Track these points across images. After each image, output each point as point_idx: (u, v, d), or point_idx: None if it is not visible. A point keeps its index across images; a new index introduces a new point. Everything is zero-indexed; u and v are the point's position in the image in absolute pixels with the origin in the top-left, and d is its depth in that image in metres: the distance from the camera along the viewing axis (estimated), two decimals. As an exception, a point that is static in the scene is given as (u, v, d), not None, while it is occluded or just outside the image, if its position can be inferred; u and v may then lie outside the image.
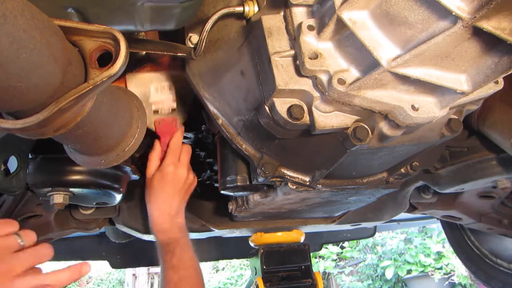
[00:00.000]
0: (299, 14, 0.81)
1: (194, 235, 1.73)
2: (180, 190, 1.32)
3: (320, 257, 7.67)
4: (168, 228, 1.30)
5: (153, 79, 1.24)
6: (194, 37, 1.02)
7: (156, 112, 1.27)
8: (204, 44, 0.96)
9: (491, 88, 0.80)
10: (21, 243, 0.85)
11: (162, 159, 1.31)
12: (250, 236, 1.75)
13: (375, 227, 2.63)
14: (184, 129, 1.35)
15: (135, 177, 1.41)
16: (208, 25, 0.93)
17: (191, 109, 1.32)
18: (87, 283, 10.06)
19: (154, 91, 1.24)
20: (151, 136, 1.30)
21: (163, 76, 1.25)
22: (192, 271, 1.27)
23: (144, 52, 1.19)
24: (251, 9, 0.91)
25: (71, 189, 1.27)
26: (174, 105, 1.27)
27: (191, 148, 1.37)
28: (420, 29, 0.64)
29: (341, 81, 0.73)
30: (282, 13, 0.84)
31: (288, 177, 1.05)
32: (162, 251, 1.29)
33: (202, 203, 1.69)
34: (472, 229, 2.24)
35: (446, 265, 6.14)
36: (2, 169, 1.10)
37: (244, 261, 8.44)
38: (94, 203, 1.43)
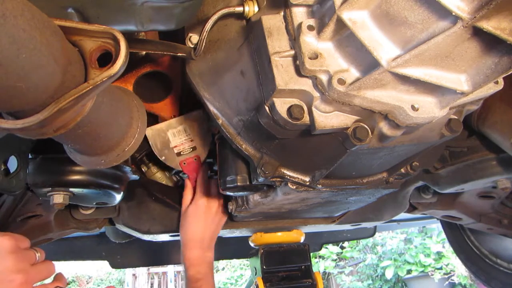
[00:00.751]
0: (299, 14, 0.81)
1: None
2: (212, 222, 1.41)
3: (320, 257, 7.67)
4: (199, 261, 1.36)
5: (168, 126, 1.39)
6: (194, 37, 1.02)
7: (179, 154, 1.40)
8: (204, 44, 0.96)
9: (491, 88, 0.80)
10: (37, 257, 1.00)
11: (193, 196, 1.43)
12: (250, 236, 1.75)
13: (375, 227, 2.63)
14: (207, 165, 1.47)
15: (135, 177, 1.41)
16: (208, 25, 0.93)
17: (211, 144, 1.43)
18: (87, 283, 10.06)
19: (172, 137, 1.39)
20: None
21: (177, 122, 1.39)
22: None
23: (144, 52, 1.19)
24: (251, 9, 0.91)
25: (71, 189, 1.27)
26: (193, 144, 1.40)
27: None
28: (420, 29, 0.64)
29: (341, 81, 0.73)
30: (282, 13, 0.84)
31: (288, 177, 1.05)
32: (190, 286, 1.33)
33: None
34: (472, 229, 2.24)
35: (446, 265, 6.15)
36: (2, 169, 1.10)
37: (244, 261, 8.45)
38: (94, 203, 1.43)
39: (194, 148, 1.42)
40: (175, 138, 1.39)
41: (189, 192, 1.45)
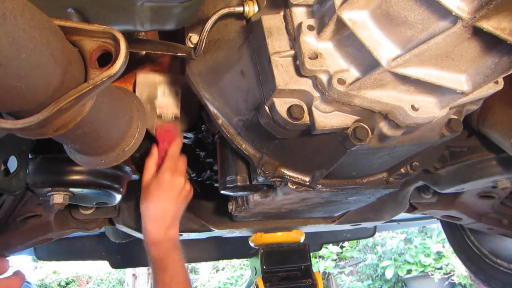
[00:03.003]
0: (299, 14, 0.81)
1: (194, 235, 1.73)
2: (175, 199, 1.29)
3: (320, 257, 7.67)
4: (161, 240, 1.27)
5: (162, 81, 1.22)
6: (194, 37, 1.02)
7: (159, 116, 1.25)
8: (204, 44, 0.96)
9: (491, 88, 0.80)
10: None
11: (159, 166, 1.30)
12: (250, 236, 1.75)
13: (375, 227, 2.63)
14: (183, 138, 1.34)
15: (135, 177, 1.41)
16: (208, 25, 0.93)
17: (194, 119, 1.30)
18: (87, 283, 10.06)
19: (161, 94, 1.22)
20: (150, 138, 1.30)
21: (172, 81, 1.23)
22: None
23: (144, 52, 1.19)
24: (251, 9, 0.91)
25: (71, 189, 1.27)
26: (178, 112, 1.25)
27: (186, 158, 1.35)
28: (420, 29, 0.64)
29: (341, 81, 0.73)
30: (282, 13, 0.84)
31: (288, 177, 1.05)
32: (155, 266, 1.25)
33: (202, 203, 1.68)
34: (472, 229, 2.24)
35: (446, 265, 6.15)
36: (2, 169, 1.10)
37: (244, 261, 8.45)
38: (94, 203, 1.43)
39: (176, 117, 1.26)
40: (163, 96, 1.22)
41: (153, 163, 1.30)
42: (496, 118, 1.27)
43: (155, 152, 1.30)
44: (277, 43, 0.81)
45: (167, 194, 1.28)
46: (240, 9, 0.91)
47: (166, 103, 1.24)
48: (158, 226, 1.28)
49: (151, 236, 1.28)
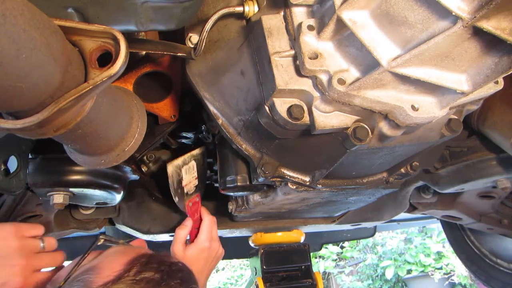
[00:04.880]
0: (299, 14, 0.81)
1: (194, 235, 1.73)
2: (210, 264, 1.35)
3: (320, 257, 7.67)
4: None
5: (183, 162, 1.31)
6: (194, 37, 1.02)
7: (187, 194, 1.33)
8: (204, 44, 0.96)
9: (491, 88, 0.80)
10: (42, 246, 1.07)
11: (192, 236, 1.37)
12: (250, 236, 1.75)
13: (375, 227, 2.62)
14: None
15: (135, 177, 1.41)
16: (208, 25, 0.93)
17: (207, 180, 1.37)
18: (87, 283, 10.04)
19: (185, 174, 1.31)
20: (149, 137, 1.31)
21: (189, 157, 1.32)
22: None
23: (144, 52, 1.19)
24: (251, 9, 0.91)
25: (71, 189, 1.27)
26: (197, 181, 1.34)
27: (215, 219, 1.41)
28: (420, 29, 0.64)
29: (341, 81, 0.73)
30: (282, 13, 0.84)
31: (288, 177, 1.05)
32: None
33: (202, 203, 1.68)
34: (472, 229, 2.24)
35: (446, 265, 6.15)
36: (2, 169, 1.10)
37: (244, 261, 8.45)
38: (94, 203, 1.43)
39: (197, 186, 1.35)
40: (187, 175, 1.32)
41: (185, 233, 1.35)
42: (496, 118, 1.27)
43: (188, 224, 1.36)
44: (277, 43, 0.81)
45: (205, 261, 1.33)
46: (240, 9, 0.92)
47: (189, 179, 1.33)
48: None
49: None
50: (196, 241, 1.34)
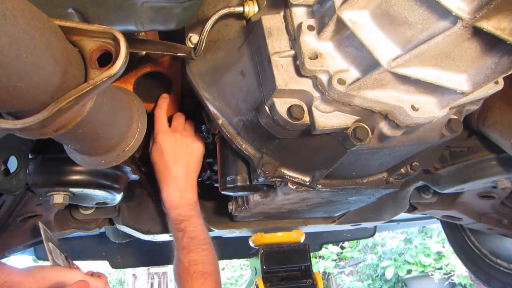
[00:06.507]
0: (299, 14, 0.81)
1: (194, 235, 1.73)
2: (181, 159, 1.26)
3: (320, 257, 7.67)
4: (178, 203, 1.26)
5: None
6: (194, 37, 1.02)
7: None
8: (204, 44, 0.96)
9: (491, 88, 0.80)
10: None
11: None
12: (250, 236, 1.75)
13: (375, 227, 2.63)
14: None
15: (135, 177, 1.41)
16: (208, 25, 0.93)
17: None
18: (87, 283, 10.04)
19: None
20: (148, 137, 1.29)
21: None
22: (204, 256, 1.23)
23: (144, 52, 1.19)
24: (251, 9, 0.91)
25: (71, 189, 1.27)
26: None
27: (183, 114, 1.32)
28: (420, 29, 0.64)
29: (341, 81, 0.73)
30: (282, 13, 0.84)
31: (288, 177, 1.05)
32: (173, 229, 1.26)
33: (202, 203, 1.68)
34: (472, 229, 2.24)
35: (446, 265, 6.15)
36: (2, 169, 1.10)
37: (244, 261, 8.44)
38: (94, 203, 1.43)
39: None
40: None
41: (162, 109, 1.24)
42: (496, 118, 1.27)
43: (163, 103, 1.26)
44: (277, 43, 0.81)
45: (167, 157, 1.25)
46: (240, 9, 0.92)
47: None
48: (172, 189, 1.26)
49: (168, 201, 1.27)
50: (157, 133, 1.26)
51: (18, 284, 0.98)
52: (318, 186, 1.06)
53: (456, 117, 0.87)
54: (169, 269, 9.15)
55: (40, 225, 1.23)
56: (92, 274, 1.12)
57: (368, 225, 2.01)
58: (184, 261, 1.21)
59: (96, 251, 2.53)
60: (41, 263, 2.50)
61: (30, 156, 1.24)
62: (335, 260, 7.80)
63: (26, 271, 1.02)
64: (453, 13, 0.59)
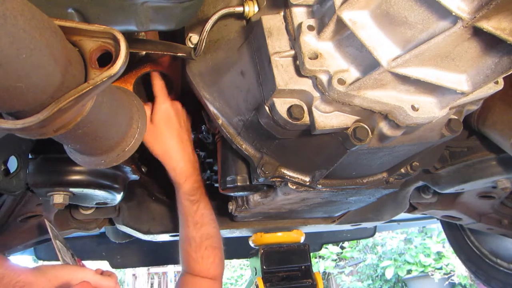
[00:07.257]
0: (299, 14, 0.81)
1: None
2: (178, 127, 1.26)
3: (320, 257, 7.67)
4: (191, 171, 1.26)
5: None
6: (194, 37, 1.02)
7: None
8: (204, 44, 0.96)
9: (491, 88, 0.80)
10: None
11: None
12: (250, 236, 1.75)
13: (375, 227, 2.63)
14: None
15: (135, 177, 1.41)
16: (208, 25, 0.93)
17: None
18: (87, 283, 10.04)
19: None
20: None
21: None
22: (214, 228, 1.27)
23: (144, 52, 1.19)
24: (251, 9, 0.91)
25: (71, 189, 1.27)
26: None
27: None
28: (420, 29, 0.64)
29: (341, 81, 0.73)
30: (282, 13, 0.84)
31: (288, 177, 1.05)
32: (187, 203, 1.27)
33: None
34: (472, 229, 2.25)
35: (446, 265, 6.16)
36: (2, 169, 1.10)
37: (244, 261, 8.44)
38: (94, 203, 1.43)
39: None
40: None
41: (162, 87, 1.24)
42: (496, 118, 1.27)
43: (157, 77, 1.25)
44: (277, 43, 0.81)
45: (169, 127, 1.25)
46: (240, 9, 0.92)
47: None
48: (182, 160, 1.26)
49: (183, 171, 1.26)
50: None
51: (30, 284, 0.97)
52: (318, 186, 1.06)
53: (456, 117, 0.87)
54: (169, 269, 9.16)
55: (47, 223, 1.22)
56: (101, 272, 1.11)
57: (368, 225, 2.01)
58: (196, 237, 1.24)
59: (96, 251, 2.54)
60: (41, 263, 2.49)
61: (30, 156, 1.25)
62: (335, 260, 7.80)
63: (38, 271, 1.02)
64: (453, 13, 0.59)
